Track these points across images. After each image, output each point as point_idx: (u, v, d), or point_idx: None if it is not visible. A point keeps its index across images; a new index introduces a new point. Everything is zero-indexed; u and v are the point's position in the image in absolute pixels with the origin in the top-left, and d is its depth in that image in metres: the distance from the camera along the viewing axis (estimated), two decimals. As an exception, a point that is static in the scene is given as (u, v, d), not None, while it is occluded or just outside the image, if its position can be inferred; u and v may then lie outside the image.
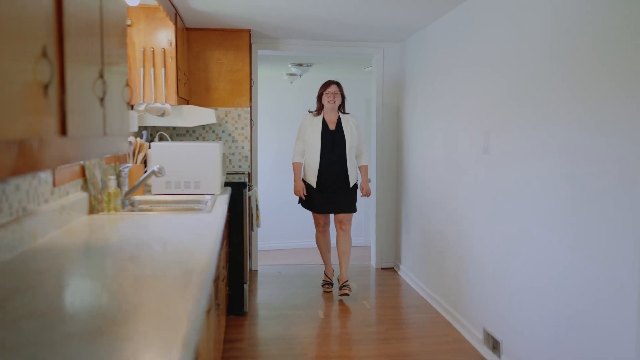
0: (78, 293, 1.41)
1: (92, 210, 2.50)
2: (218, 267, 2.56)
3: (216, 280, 2.20)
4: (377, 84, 5.13)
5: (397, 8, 3.76)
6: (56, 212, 2.04)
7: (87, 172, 2.48)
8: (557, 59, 2.50)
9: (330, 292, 4.45)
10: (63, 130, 1.22)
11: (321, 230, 4.48)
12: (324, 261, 4.57)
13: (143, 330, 1.09)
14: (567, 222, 2.41)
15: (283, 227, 6.82)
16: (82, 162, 2.43)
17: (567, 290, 2.41)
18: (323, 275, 4.61)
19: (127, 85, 1.90)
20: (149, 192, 3.29)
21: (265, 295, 4.45)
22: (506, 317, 2.97)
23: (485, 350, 3.20)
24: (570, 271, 2.39)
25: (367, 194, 4.46)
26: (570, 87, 2.39)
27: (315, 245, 4.63)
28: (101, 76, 1.53)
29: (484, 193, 3.26)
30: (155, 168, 2.82)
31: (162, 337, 1.04)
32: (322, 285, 4.54)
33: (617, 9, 2.11)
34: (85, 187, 2.51)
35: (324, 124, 4.28)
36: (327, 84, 4.31)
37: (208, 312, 1.74)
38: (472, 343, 3.39)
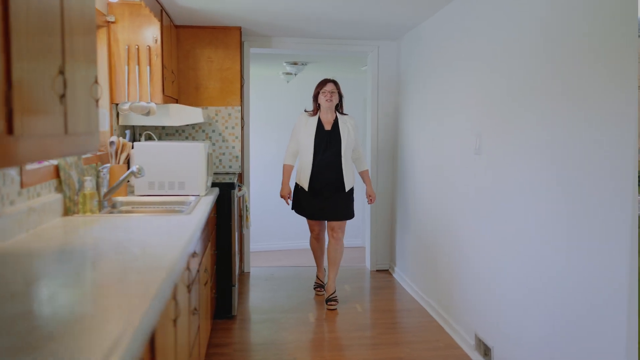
0: (26, 302, 1.32)
1: (66, 212, 2.42)
2: (199, 270, 2.48)
3: (192, 284, 2.11)
4: (372, 83, 5.03)
5: (391, 5, 3.67)
6: (23, 215, 1.96)
7: (61, 173, 2.40)
8: (553, 58, 2.41)
9: (322, 295, 4.36)
10: (9, 129, 1.15)
11: (315, 237, 4.33)
12: (316, 264, 4.47)
13: (77, 347, 1.01)
14: (560, 226, 2.32)
15: (281, 228, 6.73)
16: (54, 162, 2.36)
17: (560, 296, 2.32)
18: (315, 277, 4.52)
19: (96, 82, 1.82)
20: (132, 193, 3.21)
21: (256, 298, 4.37)
22: (497, 323, 2.88)
23: (476, 357, 3.11)
24: (563, 276, 2.30)
25: (373, 200, 4.34)
26: (566, 86, 2.30)
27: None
28: (61, 72, 1.45)
29: (476, 195, 3.17)
30: (135, 168, 2.74)
31: (98, 354, 0.96)
32: (314, 288, 4.45)
33: (614, 8, 2.02)
34: (60, 188, 2.43)
35: (319, 124, 4.11)
36: (324, 82, 4.14)
37: (175, 320, 1.66)
38: (464, 349, 3.30)
